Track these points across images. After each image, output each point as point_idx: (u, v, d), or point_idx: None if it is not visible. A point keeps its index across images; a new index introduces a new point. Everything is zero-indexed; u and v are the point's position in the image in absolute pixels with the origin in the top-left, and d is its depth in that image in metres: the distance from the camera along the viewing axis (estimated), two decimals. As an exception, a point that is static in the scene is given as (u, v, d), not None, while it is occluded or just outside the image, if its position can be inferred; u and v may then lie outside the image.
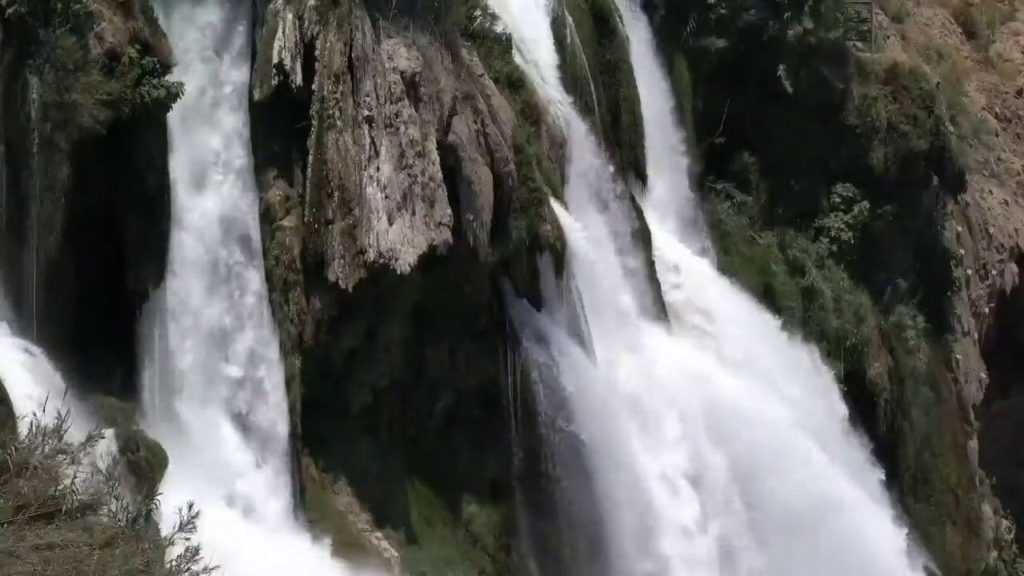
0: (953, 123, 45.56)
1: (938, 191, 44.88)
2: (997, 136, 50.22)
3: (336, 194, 29.14)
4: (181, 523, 11.76)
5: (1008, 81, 51.88)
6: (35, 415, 12.72)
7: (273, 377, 28.86)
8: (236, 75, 28.98)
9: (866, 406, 41.76)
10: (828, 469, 37.70)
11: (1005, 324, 48.52)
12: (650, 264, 37.07)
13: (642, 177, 38.83)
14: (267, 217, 29.18)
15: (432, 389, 32.05)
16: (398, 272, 29.40)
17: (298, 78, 29.01)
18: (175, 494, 18.31)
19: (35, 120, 25.47)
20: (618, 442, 33.59)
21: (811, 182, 42.72)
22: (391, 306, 30.49)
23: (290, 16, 29.09)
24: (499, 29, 34.08)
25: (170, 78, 26.86)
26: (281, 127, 29.33)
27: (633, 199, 37.24)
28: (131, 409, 27.06)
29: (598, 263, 34.87)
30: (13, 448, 12.51)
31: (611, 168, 36.76)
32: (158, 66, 26.74)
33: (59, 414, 12.54)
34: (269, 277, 29.03)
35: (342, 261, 29.08)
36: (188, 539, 11.83)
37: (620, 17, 38.61)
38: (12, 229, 25.74)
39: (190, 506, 11.93)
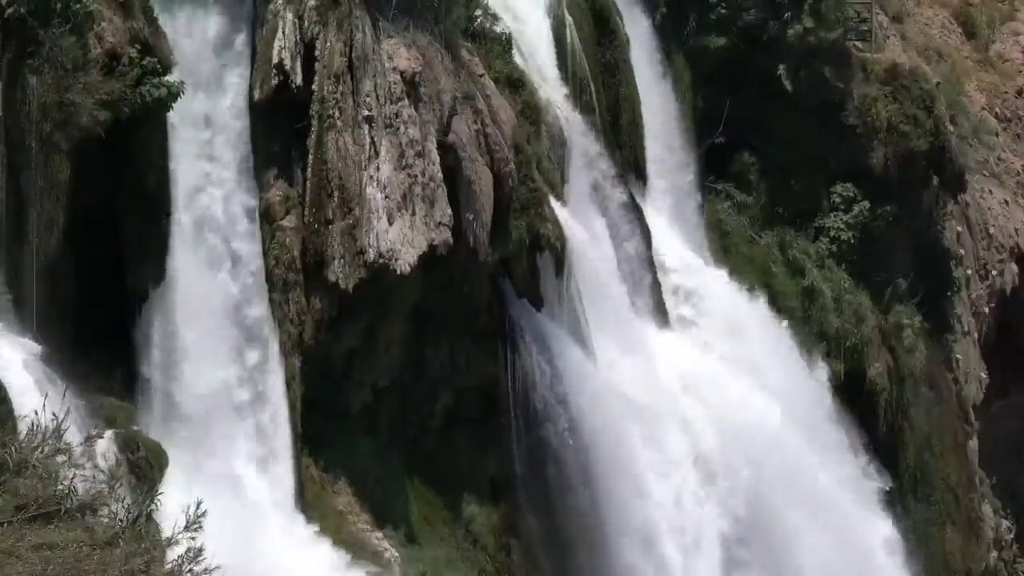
0: (953, 123, 45.53)
1: (938, 191, 44.86)
2: (997, 136, 50.18)
3: (336, 194, 29.13)
4: (187, 522, 11.75)
5: (1008, 81, 51.85)
6: (36, 414, 12.72)
7: (273, 377, 28.85)
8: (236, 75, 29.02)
9: (866, 406, 41.75)
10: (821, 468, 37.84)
11: (1005, 324, 48.49)
12: (650, 264, 37.06)
13: (642, 177, 38.81)
14: (267, 217, 29.17)
15: (432, 389, 32.05)
16: (398, 272, 29.40)
17: (298, 78, 29.00)
18: (175, 494, 18.34)
19: (35, 120, 25.46)
20: (618, 441, 33.58)
21: (811, 182, 42.71)
22: (391, 306, 30.48)
23: (290, 16, 29.08)
24: (499, 29, 34.09)
25: (170, 78, 26.84)
26: (281, 127, 29.32)
27: (633, 199, 37.22)
28: (131, 409, 27.06)
29: (598, 263, 34.87)
30: (13, 448, 12.50)
31: (611, 168, 36.75)
32: (158, 66, 26.72)
33: (55, 415, 12.52)
34: (269, 277, 29.01)
35: (342, 261, 29.08)
36: (194, 538, 11.81)
37: (620, 17, 38.59)
38: (12, 229, 25.74)
39: (197, 505, 11.90)
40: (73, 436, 13.11)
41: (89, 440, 12.72)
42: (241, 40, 29.01)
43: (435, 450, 31.92)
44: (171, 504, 13.87)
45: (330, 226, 29.11)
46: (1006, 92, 51.56)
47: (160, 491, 16.36)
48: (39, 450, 12.22)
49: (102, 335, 26.92)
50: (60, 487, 12.25)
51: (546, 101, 35.01)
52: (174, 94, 26.82)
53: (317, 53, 29.25)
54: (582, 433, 32.77)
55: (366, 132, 29.54)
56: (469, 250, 30.93)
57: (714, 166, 41.73)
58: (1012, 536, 48.05)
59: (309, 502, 29.29)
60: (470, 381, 32.45)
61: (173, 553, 12.12)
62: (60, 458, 12.32)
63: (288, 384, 29.03)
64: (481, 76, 32.36)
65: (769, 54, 41.70)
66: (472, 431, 32.40)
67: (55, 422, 12.41)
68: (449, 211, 30.27)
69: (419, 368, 31.79)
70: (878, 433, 41.93)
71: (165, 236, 27.44)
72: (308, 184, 29.16)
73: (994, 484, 47.37)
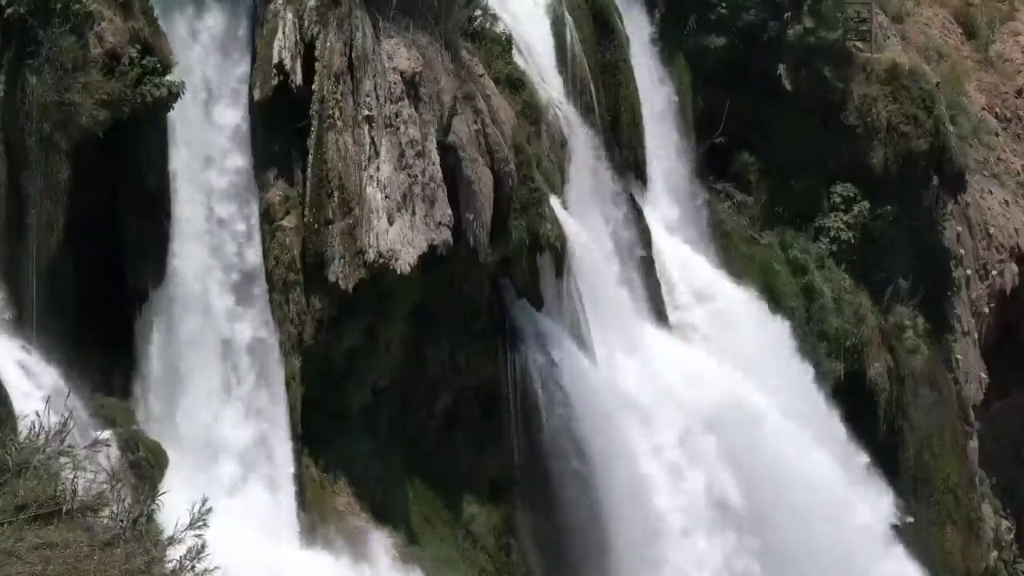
0: (953, 123, 45.55)
1: (938, 191, 44.87)
2: (997, 136, 50.23)
3: (336, 194, 29.13)
4: (192, 520, 11.73)
5: (1008, 81, 51.89)
6: (38, 415, 12.70)
7: (273, 377, 28.85)
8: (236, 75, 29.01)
9: (866, 406, 41.74)
10: (824, 465, 37.77)
11: (1005, 324, 48.51)
12: (650, 264, 37.06)
13: (642, 177, 38.80)
14: (267, 217, 29.17)
15: (432, 389, 32.04)
16: (398, 272, 29.39)
17: (298, 78, 28.99)
18: (175, 494, 18.30)
19: (35, 120, 25.46)
20: (618, 442, 33.57)
21: (811, 182, 42.73)
22: (391, 306, 30.48)
23: (290, 16, 29.07)
24: (499, 29, 34.08)
25: (170, 77, 26.83)
26: (281, 127, 29.31)
27: (633, 199, 37.23)
28: (131, 409, 27.06)
29: (598, 263, 34.86)
30: (13, 448, 12.49)
31: (611, 168, 36.75)
32: (158, 66, 26.71)
33: (63, 414, 12.51)
34: (269, 277, 29.01)
35: (342, 261, 29.08)
36: (200, 535, 11.79)
37: (620, 17, 38.59)
38: (12, 229, 25.73)
39: (203, 503, 11.89)
40: (73, 437, 13.10)
41: (96, 445, 12.70)
42: (241, 40, 29.00)
43: (435, 450, 31.92)
44: (172, 503, 13.85)
45: (330, 226, 29.10)
46: (1006, 92, 51.60)
47: (163, 491, 16.36)
48: (41, 451, 12.21)
49: (102, 335, 26.92)
50: (61, 487, 12.24)
51: (546, 101, 35.00)
52: (174, 94, 26.81)
53: (317, 53, 29.23)
54: (582, 433, 32.76)
55: (366, 132, 29.53)
56: (469, 250, 30.93)
57: (714, 166, 41.74)
58: (1012, 536, 48.06)
59: (309, 502, 29.28)
60: (470, 381, 32.44)
61: (175, 552, 12.10)
62: (63, 460, 12.31)
63: (288, 384, 29.03)
64: (481, 76, 32.35)
65: (769, 54, 41.72)
66: (472, 431, 32.39)
67: (58, 424, 12.39)
68: (449, 211, 30.27)
69: (419, 368, 31.78)
70: (878, 433, 41.91)
71: (165, 236, 27.44)
72: (308, 184, 29.15)
73: (994, 484, 47.38)
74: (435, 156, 30.27)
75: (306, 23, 29.20)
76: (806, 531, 36.35)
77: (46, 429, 12.24)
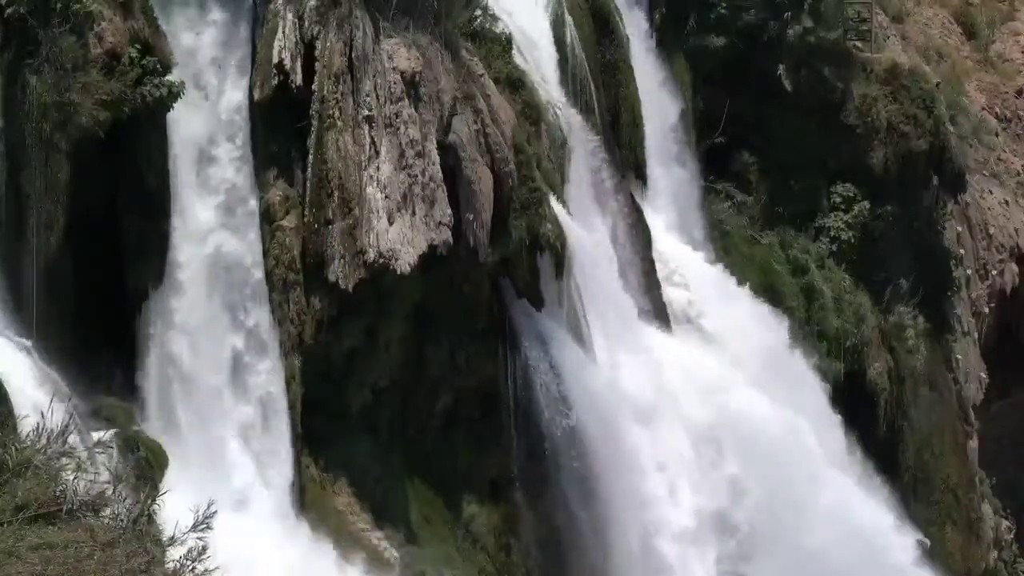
0: (953, 123, 45.54)
1: (938, 191, 44.87)
2: (997, 136, 50.22)
3: (336, 194, 29.13)
4: (196, 521, 11.73)
5: (1008, 81, 51.89)
6: (43, 415, 12.71)
7: (273, 377, 28.84)
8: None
9: (866, 406, 41.74)
10: (828, 469, 37.75)
11: (1005, 324, 48.52)
12: (650, 263, 37.05)
13: (642, 177, 38.80)
14: (267, 217, 29.17)
15: (432, 389, 32.04)
16: (398, 272, 29.39)
17: (298, 78, 28.99)
18: (175, 494, 18.31)
19: (35, 120, 25.46)
20: (618, 441, 33.57)
21: (811, 182, 42.73)
22: (391, 306, 30.48)
23: (290, 16, 29.07)
24: (499, 29, 34.08)
25: (170, 77, 26.84)
26: (281, 127, 29.31)
27: (633, 199, 37.22)
28: (131, 409, 27.06)
29: (598, 263, 34.86)
30: (13, 448, 12.49)
31: (611, 168, 36.74)
32: (158, 66, 26.71)
33: (64, 417, 12.51)
34: (269, 277, 29.01)
35: (342, 261, 29.08)
36: (202, 537, 11.80)
37: (620, 17, 38.59)
38: (12, 229, 25.73)
39: (209, 505, 11.90)
40: (74, 437, 13.10)
41: (99, 446, 12.72)
42: (241, 40, 29.00)
43: (435, 450, 31.92)
44: (171, 503, 13.85)
45: (330, 226, 29.10)
46: (1006, 92, 51.60)
47: (164, 490, 16.39)
48: (42, 452, 12.21)
49: (102, 335, 26.92)
50: (61, 488, 12.24)
51: (546, 101, 35.01)
52: (174, 94, 26.81)
53: (317, 53, 29.24)
54: (582, 433, 32.77)
55: (366, 132, 29.54)
56: (469, 250, 30.93)
57: (714, 166, 41.73)
58: (1012, 536, 48.07)
59: (309, 502, 29.28)
60: (470, 381, 32.44)
61: (175, 553, 12.10)
62: (64, 461, 12.31)
63: (288, 384, 29.03)
64: (481, 76, 32.35)
65: (769, 54, 41.71)
66: (472, 431, 32.40)
67: (60, 425, 12.39)
68: (449, 211, 30.27)
69: (419, 368, 31.78)
70: (878, 433, 41.91)
71: (165, 236, 27.44)
72: (308, 184, 29.15)
73: (994, 484, 47.39)
74: (435, 156, 30.28)
75: (306, 23, 29.20)
76: (808, 532, 36.34)
77: (47, 429, 12.24)
